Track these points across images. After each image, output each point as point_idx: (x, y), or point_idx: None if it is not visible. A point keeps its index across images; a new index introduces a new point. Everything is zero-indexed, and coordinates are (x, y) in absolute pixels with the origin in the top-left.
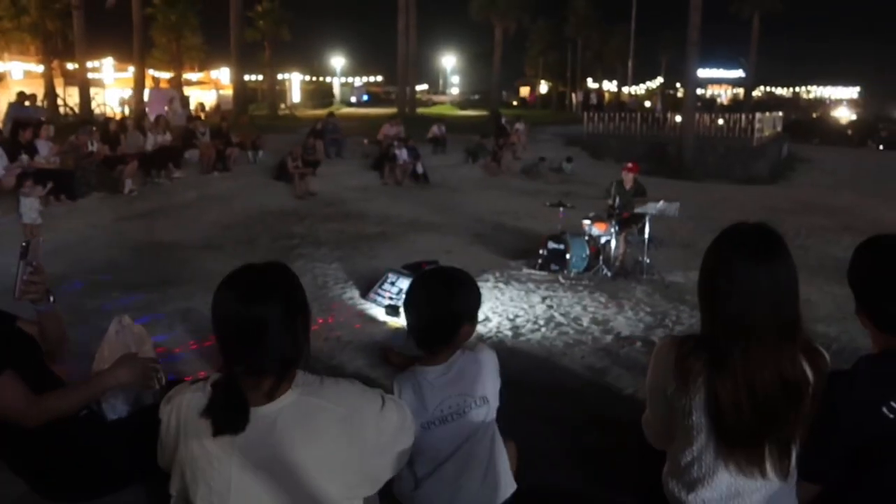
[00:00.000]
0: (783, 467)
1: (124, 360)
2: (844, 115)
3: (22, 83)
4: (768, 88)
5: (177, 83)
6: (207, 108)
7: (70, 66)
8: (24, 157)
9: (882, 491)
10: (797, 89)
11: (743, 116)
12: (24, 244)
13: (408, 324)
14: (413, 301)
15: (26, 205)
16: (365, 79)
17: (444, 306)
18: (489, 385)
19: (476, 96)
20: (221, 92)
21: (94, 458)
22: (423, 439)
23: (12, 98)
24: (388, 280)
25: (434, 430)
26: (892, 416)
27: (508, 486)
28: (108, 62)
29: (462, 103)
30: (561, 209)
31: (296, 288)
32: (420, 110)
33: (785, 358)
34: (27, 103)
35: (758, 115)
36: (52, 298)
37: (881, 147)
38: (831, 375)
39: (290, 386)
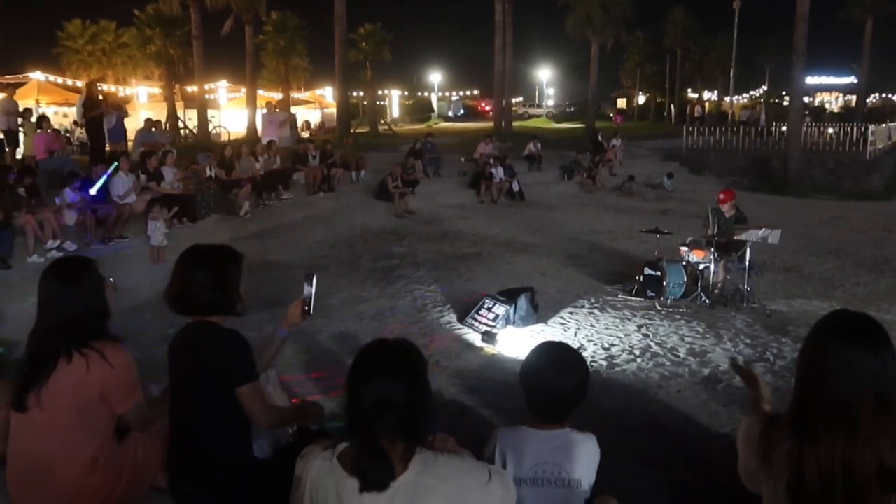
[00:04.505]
0: None
1: (313, 406)
2: None
3: (146, 106)
4: (884, 95)
5: (285, 103)
6: (313, 127)
7: (189, 89)
8: (152, 182)
9: None
10: None
11: (854, 127)
12: (309, 273)
13: (532, 393)
14: (542, 374)
15: (154, 228)
16: (461, 93)
17: (570, 386)
18: (585, 471)
19: (572, 108)
20: (326, 110)
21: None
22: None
23: (139, 123)
24: (485, 306)
25: (524, 489)
26: None
27: None
28: (223, 84)
29: (558, 116)
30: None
31: (422, 367)
32: (516, 124)
33: (887, 445)
34: (153, 129)
35: (871, 126)
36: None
37: None
38: None
39: (409, 462)
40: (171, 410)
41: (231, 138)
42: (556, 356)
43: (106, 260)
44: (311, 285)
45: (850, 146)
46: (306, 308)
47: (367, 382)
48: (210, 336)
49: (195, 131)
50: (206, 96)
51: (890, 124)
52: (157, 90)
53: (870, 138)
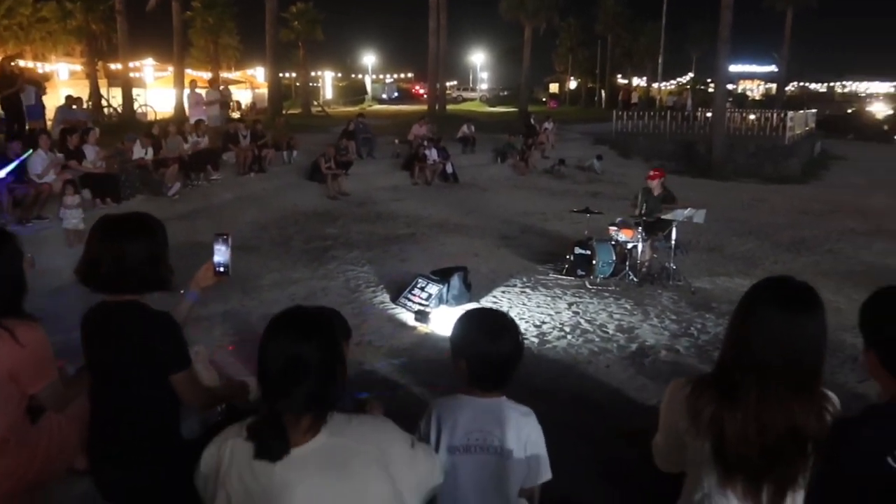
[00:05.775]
0: None
1: (241, 384)
2: (880, 110)
3: (67, 83)
4: (802, 83)
5: (215, 83)
6: (244, 107)
7: (113, 66)
8: (73, 161)
9: None
10: (832, 84)
11: (774, 114)
12: (222, 234)
13: (470, 362)
14: (474, 343)
15: (67, 212)
16: (395, 75)
17: (509, 351)
18: (516, 442)
19: (505, 92)
20: (257, 91)
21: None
22: (447, 466)
23: (60, 101)
24: (418, 285)
25: (457, 457)
26: (895, 465)
27: None
28: (149, 63)
29: (491, 100)
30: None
31: (337, 335)
32: (450, 108)
33: (799, 407)
34: (74, 106)
35: (790, 112)
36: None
37: None
38: (839, 423)
39: (319, 427)
40: (93, 392)
41: (158, 118)
42: (484, 322)
43: (24, 241)
44: (227, 246)
45: (771, 132)
46: (221, 270)
47: (277, 345)
48: (138, 318)
49: (119, 110)
50: (131, 74)
51: (807, 111)
52: (78, 67)
53: (788, 125)
